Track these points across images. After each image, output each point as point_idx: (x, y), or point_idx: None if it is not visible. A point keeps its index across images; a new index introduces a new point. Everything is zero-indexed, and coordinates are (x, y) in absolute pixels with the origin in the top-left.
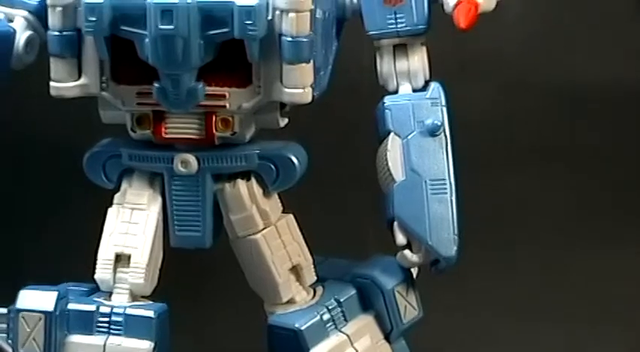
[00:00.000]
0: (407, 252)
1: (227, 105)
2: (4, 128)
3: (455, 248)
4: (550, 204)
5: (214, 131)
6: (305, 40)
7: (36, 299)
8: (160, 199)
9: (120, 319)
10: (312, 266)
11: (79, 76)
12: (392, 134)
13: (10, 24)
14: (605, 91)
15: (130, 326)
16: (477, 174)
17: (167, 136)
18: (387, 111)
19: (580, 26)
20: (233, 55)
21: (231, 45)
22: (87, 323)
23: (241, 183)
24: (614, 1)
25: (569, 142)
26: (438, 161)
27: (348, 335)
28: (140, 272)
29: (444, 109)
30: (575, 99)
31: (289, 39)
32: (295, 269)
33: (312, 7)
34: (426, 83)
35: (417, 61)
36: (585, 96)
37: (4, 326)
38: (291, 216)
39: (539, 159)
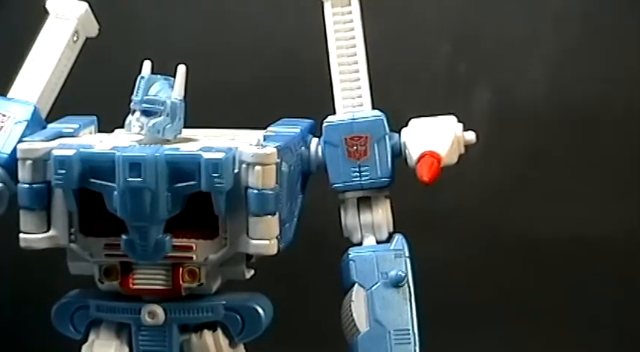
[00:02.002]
0: None
1: (194, 256)
2: None
3: None
4: None
5: (181, 282)
6: (271, 192)
7: None
8: (127, 349)
9: None
10: None
11: (48, 228)
12: (356, 285)
13: None
14: (566, 244)
15: None
16: (441, 327)
17: (134, 288)
18: (351, 262)
19: (540, 179)
20: (200, 207)
21: (198, 197)
22: None
23: (208, 334)
24: (573, 155)
25: (531, 297)
26: (402, 312)
27: None
28: None
29: (408, 261)
30: (537, 252)
31: (255, 192)
32: None
33: (278, 160)
34: (390, 235)
35: (381, 213)
36: (547, 249)
37: None
38: None
39: (502, 312)
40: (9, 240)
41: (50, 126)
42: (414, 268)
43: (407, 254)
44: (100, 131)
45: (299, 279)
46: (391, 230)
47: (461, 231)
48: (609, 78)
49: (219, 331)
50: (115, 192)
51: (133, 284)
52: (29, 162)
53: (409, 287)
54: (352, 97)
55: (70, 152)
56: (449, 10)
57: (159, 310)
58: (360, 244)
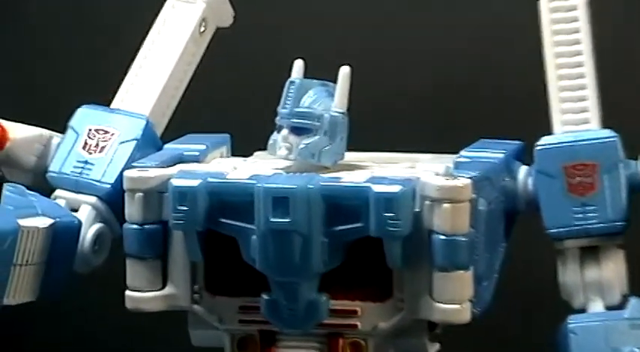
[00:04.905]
0: None
1: (359, 324)
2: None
3: None
4: None
5: None
6: (463, 239)
7: None
8: None
9: None
10: None
11: (164, 284)
12: None
13: (75, 214)
14: None
15: None
16: None
17: None
18: (571, 335)
19: None
20: (367, 258)
21: (364, 245)
22: None
23: None
24: None
25: None
26: None
27: None
28: None
29: None
30: None
31: (442, 238)
32: None
33: (474, 195)
34: (624, 298)
35: (612, 269)
36: None
37: None
38: None
39: None
40: (113, 296)
41: (167, 146)
42: None
43: None
44: (233, 154)
45: None
46: (625, 291)
47: None
48: None
49: None
50: (254, 237)
51: None
52: (139, 195)
53: None
54: (575, 112)
55: (195, 182)
56: None
57: None
58: (584, 310)
